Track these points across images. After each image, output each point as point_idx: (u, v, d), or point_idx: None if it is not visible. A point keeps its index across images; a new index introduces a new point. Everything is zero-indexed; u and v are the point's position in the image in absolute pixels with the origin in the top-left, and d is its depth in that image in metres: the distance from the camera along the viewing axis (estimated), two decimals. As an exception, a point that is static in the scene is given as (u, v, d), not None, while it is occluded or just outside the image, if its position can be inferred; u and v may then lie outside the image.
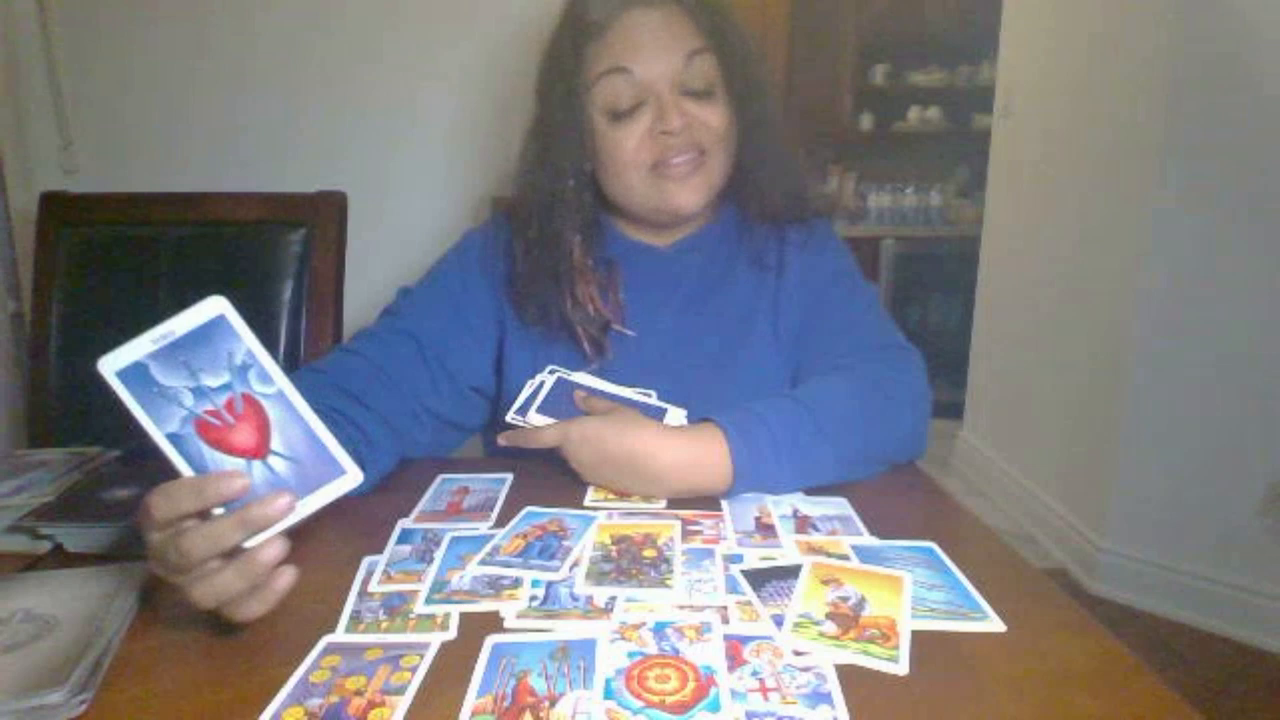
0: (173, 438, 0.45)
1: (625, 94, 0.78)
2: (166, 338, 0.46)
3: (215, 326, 0.47)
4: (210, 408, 0.46)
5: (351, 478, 0.48)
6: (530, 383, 0.77)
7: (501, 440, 0.74)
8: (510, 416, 0.74)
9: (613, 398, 0.77)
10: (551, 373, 0.77)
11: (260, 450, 0.47)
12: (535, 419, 0.73)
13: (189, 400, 0.45)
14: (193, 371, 0.46)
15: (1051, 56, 2.38)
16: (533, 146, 0.85)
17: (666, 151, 0.79)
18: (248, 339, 0.47)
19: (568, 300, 0.84)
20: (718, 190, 0.85)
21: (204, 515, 0.46)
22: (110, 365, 0.44)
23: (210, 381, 0.46)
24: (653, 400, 0.79)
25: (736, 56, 0.81)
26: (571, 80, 0.80)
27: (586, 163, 0.83)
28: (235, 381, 0.47)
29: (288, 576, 0.47)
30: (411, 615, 0.51)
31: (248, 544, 0.45)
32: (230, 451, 0.46)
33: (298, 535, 0.48)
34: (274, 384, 0.48)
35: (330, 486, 0.48)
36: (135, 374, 0.45)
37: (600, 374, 0.84)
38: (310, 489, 0.47)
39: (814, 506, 0.68)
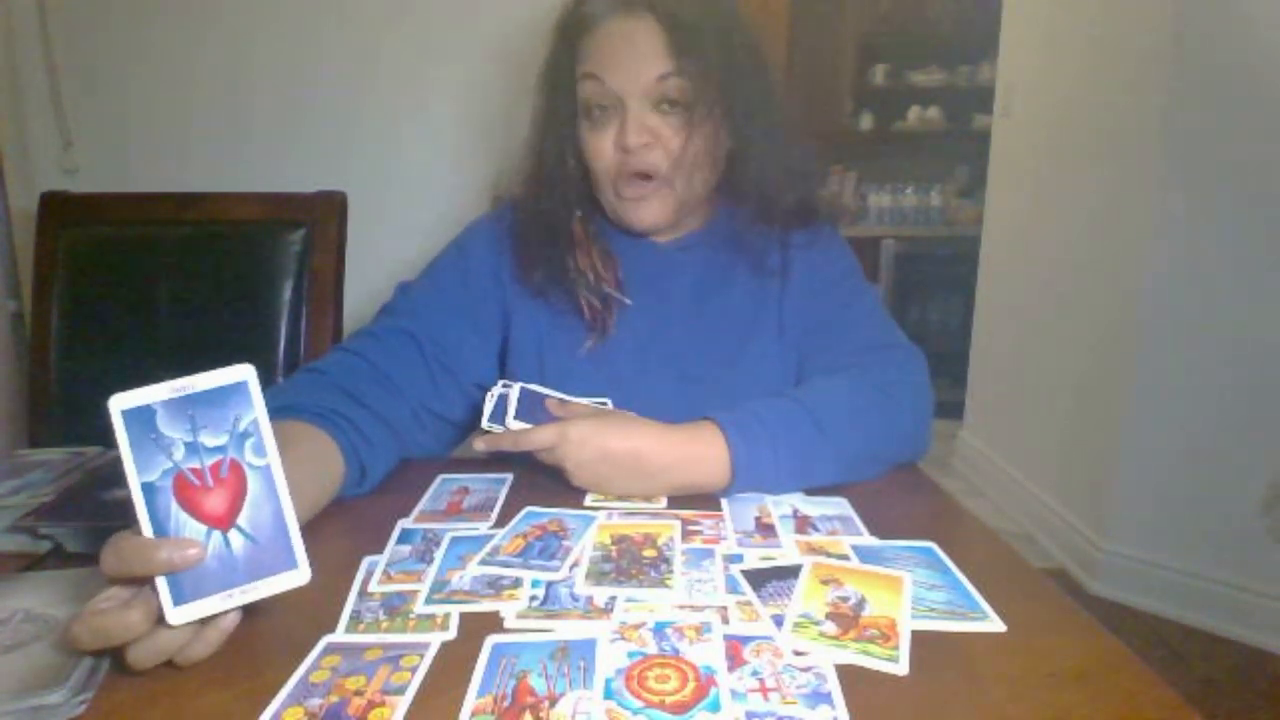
0: (146, 487, 0.45)
1: (599, 99, 0.80)
2: (185, 389, 0.46)
3: (234, 390, 0.47)
4: (196, 466, 0.46)
5: (300, 574, 0.48)
6: (490, 394, 0.76)
7: (479, 445, 0.73)
8: (486, 424, 0.74)
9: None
10: (507, 386, 0.76)
11: (226, 522, 0.46)
12: (515, 425, 0.73)
13: (179, 454, 0.45)
14: (195, 427, 0.46)
15: (1051, 56, 2.38)
16: (535, 127, 0.86)
17: (624, 166, 0.81)
18: (259, 410, 0.48)
19: (570, 263, 0.85)
20: (683, 206, 0.84)
21: (147, 579, 0.44)
22: (119, 403, 0.44)
23: (208, 440, 0.46)
24: (609, 408, 0.78)
25: (720, 74, 0.78)
26: (563, 70, 0.82)
27: (577, 151, 0.84)
28: (231, 445, 0.47)
29: (229, 619, 0.46)
30: (411, 615, 0.51)
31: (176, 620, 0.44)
32: (197, 514, 0.46)
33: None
34: (265, 458, 0.48)
35: (277, 578, 0.47)
36: (139, 416, 0.45)
37: (604, 374, 0.84)
38: (258, 575, 0.47)
39: (814, 506, 0.68)
